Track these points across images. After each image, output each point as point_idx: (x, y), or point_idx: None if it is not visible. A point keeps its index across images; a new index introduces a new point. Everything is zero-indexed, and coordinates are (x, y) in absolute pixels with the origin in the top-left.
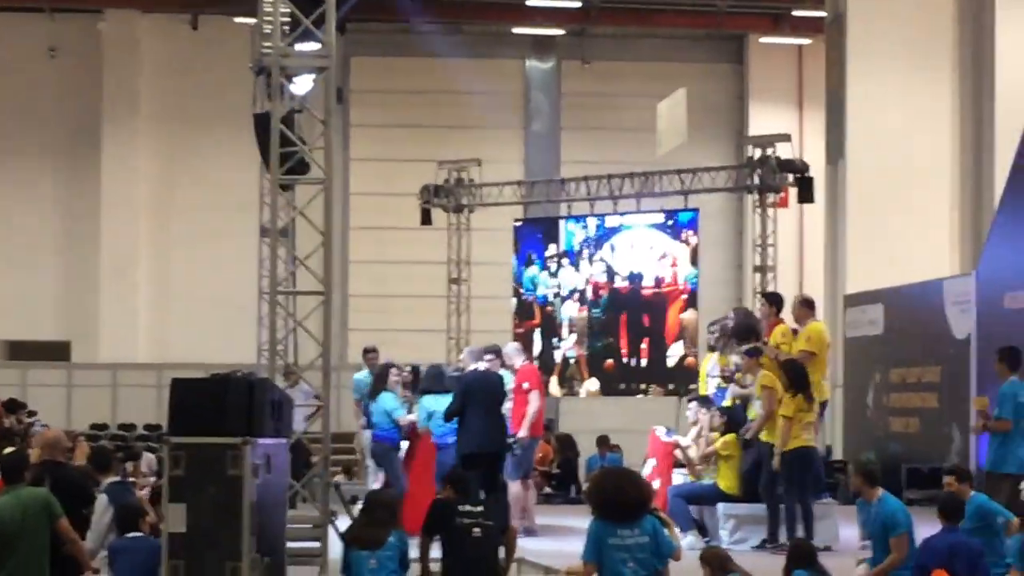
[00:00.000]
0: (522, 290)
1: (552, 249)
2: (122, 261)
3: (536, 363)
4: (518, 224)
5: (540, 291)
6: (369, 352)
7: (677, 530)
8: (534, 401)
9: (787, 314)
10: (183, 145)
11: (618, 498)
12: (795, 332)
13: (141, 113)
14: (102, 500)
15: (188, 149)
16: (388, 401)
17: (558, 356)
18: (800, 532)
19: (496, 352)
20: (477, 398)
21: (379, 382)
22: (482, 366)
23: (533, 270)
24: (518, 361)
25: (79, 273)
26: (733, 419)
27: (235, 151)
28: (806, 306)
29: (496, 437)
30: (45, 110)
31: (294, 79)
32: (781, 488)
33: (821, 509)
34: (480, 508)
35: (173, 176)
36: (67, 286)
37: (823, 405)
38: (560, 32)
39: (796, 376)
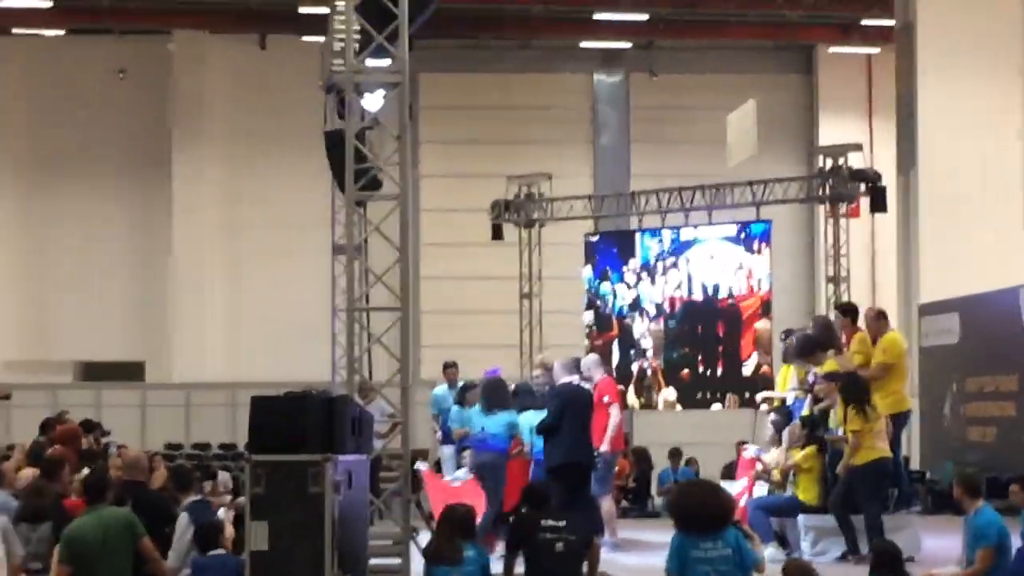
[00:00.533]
0: (599, 303)
1: (630, 263)
2: (193, 280)
3: (614, 376)
4: (594, 239)
5: (617, 304)
6: (449, 367)
7: (759, 542)
8: (615, 415)
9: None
10: (252, 164)
11: (700, 511)
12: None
13: (210, 133)
14: (183, 519)
15: (257, 168)
16: (511, 416)
17: (635, 367)
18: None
19: (577, 366)
20: (572, 411)
21: (499, 395)
22: (575, 379)
23: (608, 284)
24: (597, 374)
25: (151, 293)
26: (813, 430)
27: (303, 169)
28: (880, 318)
29: (587, 450)
30: (115, 131)
31: (365, 96)
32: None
33: (903, 520)
34: (563, 523)
35: (242, 195)
36: (139, 306)
37: (905, 415)
38: (628, 45)
39: (854, 390)
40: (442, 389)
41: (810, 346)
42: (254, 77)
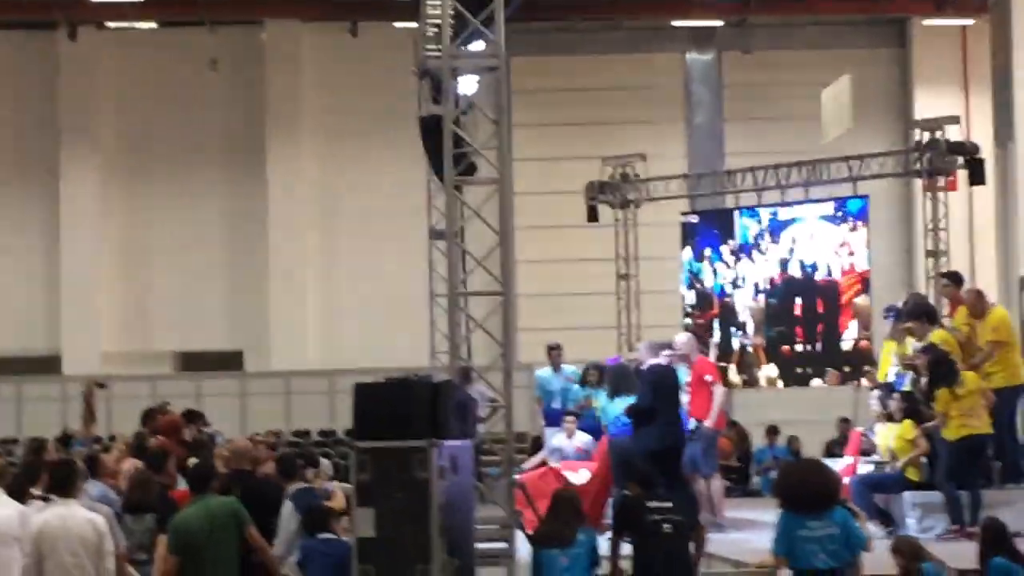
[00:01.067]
0: (699, 283)
1: (729, 243)
2: (290, 268)
3: (711, 354)
4: (694, 221)
5: (717, 283)
6: (553, 349)
7: (866, 520)
8: (719, 393)
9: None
10: (346, 151)
11: (804, 490)
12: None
13: (304, 121)
14: (287, 507)
15: (351, 155)
16: None
17: (736, 344)
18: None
19: (670, 347)
20: (663, 393)
21: (628, 381)
22: (663, 360)
23: (708, 264)
24: (694, 354)
25: (248, 283)
26: (912, 405)
27: (397, 155)
28: (980, 297)
29: (682, 433)
30: (210, 122)
31: (459, 80)
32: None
33: (1012, 495)
34: (669, 504)
35: (337, 182)
36: (237, 296)
37: (1020, 388)
38: (719, 23)
39: (941, 371)
40: (546, 371)
41: (919, 312)
42: (346, 65)
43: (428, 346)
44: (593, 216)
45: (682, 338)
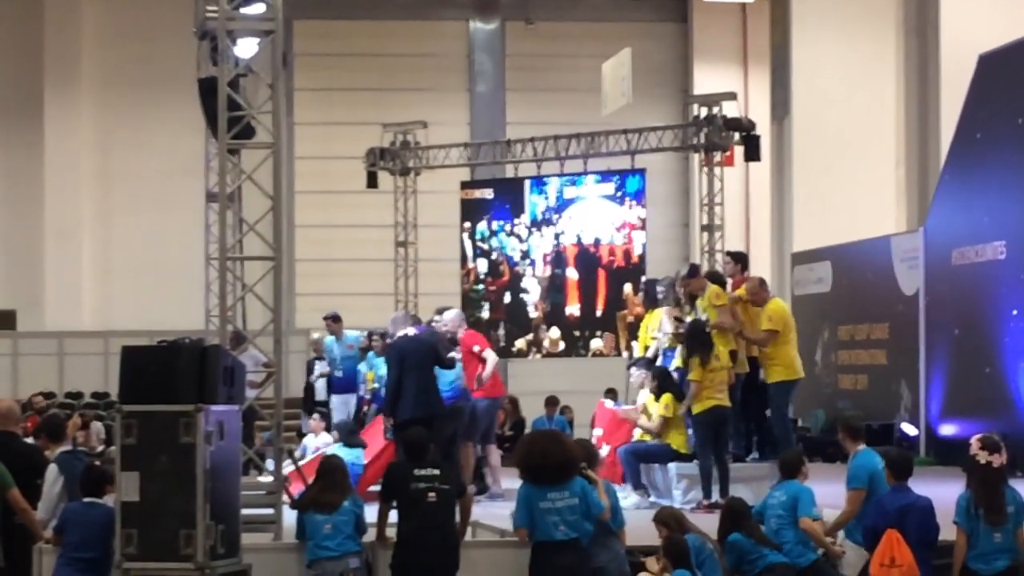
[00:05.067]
0: (492, 252)
1: (521, 218)
2: (66, 228)
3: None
4: (488, 196)
5: (508, 254)
6: (331, 319)
7: (626, 489)
8: (491, 360)
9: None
10: (126, 111)
11: (544, 461)
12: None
13: (83, 79)
14: (52, 470)
15: (131, 114)
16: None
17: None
18: (717, 490)
19: (416, 320)
20: (410, 363)
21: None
22: (411, 331)
23: (502, 235)
24: (461, 329)
25: (23, 241)
26: (665, 380)
27: (179, 116)
28: (763, 286)
29: (431, 401)
30: None
31: (238, 43)
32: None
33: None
34: (437, 472)
35: (116, 142)
36: (11, 254)
37: (795, 383)
38: None
39: (694, 340)
40: (330, 339)
41: (695, 270)
42: (128, 23)
43: (204, 310)
44: (373, 183)
45: (449, 315)
